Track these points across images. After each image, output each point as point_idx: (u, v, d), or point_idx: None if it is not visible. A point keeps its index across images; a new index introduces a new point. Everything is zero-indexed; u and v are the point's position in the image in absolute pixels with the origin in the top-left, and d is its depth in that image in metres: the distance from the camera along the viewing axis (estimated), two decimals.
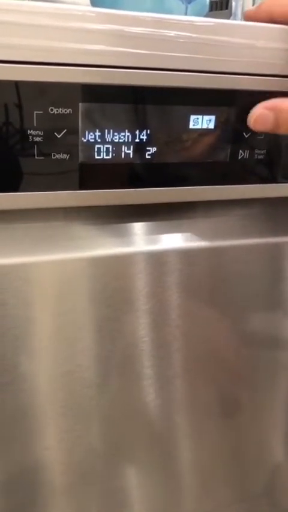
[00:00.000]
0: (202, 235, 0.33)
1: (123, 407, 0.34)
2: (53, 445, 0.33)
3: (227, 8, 0.41)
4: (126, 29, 0.26)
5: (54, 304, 0.30)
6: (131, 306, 0.32)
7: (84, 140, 0.27)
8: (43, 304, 0.30)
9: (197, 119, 0.29)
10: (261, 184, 0.32)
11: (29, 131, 0.25)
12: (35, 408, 0.32)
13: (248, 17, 0.32)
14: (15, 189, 0.27)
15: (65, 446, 0.33)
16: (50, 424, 0.32)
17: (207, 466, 0.40)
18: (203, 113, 0.29)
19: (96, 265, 0.30)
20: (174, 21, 0.27)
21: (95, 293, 0.31)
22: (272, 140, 0.31)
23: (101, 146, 0.27)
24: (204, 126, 0.29)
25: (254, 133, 0.31)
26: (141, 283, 0.32)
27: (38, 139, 0.26)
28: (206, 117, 0.29)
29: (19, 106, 0.25)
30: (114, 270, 0.31)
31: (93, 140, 0.27)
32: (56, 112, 0.26)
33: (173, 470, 0.39)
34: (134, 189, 0.29)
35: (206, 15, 0.41)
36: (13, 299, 0.29)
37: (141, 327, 0.33)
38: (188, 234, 0.33)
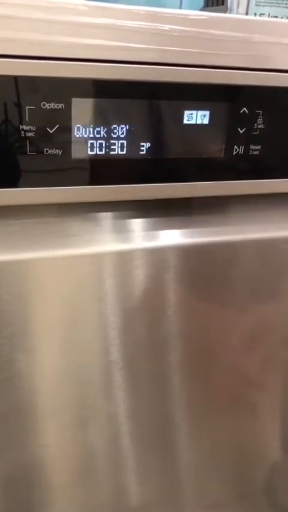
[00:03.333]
0: (199, 232, 0.33)
1: (121, 404, 0.34)
2: (51, 442, 0.33)
3: (223, 4, 0.41)
4: (120, 22, 0.26)
5: (51, 300, 0.30)
6: (128, 303, 0.32)
7: (77, 135, 0.27)
8: (40, 301, 0.29)
9: (191, 114, 0.29)
10: (256, 180, 0.32)
11: (21, 126, 0.25)
12: (33, 405, 0.31)
13: None
14: (8, 185, 0.27)
15: (63, 444, 0.33)
16: (49, 421, 0.32)
17: (206, 462, 0.40)
18: (197, 108, 0.29)
19: (93, 261, 0.30)
20: (168, 15, 0.27)
21: (92, 289, 0.31)
22: (267, 136, 0.31)
23: (94, 142, 0.27)
24: (199, 122, 0.29)
25: (249, 128, 0.30)
26: (138, 280, 0.31)
27: (30, 134, 0.26)
28: (201, 113, 0.29)
29: (11, 101, 0.25)
30: (112, 267, 0.30)
31: (86, 135, 0.27)
32: (48, 107, 0.25)
33: (173, 467, 0.39)
34: (129, 185, 0.29)
35: (202, 11, 0.41)
36: (9, 296, 0.28)
37: (139, 323, 0.32)
38: (185, 230, 0.33)
